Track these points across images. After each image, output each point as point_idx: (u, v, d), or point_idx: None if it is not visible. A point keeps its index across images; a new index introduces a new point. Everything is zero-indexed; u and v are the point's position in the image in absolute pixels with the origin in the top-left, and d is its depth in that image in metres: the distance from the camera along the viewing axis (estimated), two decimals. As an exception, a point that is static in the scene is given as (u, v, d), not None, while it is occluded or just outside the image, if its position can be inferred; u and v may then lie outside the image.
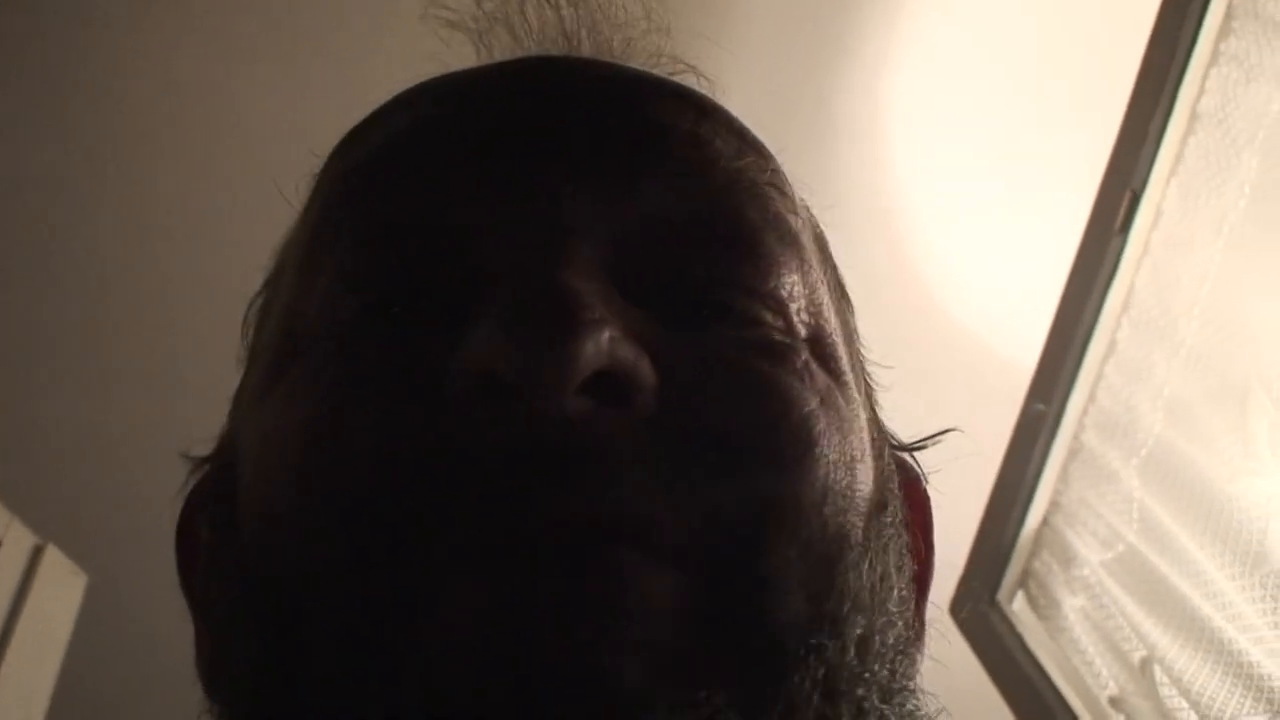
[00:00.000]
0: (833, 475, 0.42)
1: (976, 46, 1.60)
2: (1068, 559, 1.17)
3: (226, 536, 0.45)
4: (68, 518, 1.44)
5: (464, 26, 0.54)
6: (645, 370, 0.39)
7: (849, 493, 0.43)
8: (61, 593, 1.35)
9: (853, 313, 0.55)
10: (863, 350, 0.55)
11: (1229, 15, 1.04)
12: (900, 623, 0.44)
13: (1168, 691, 1.02)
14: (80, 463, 1.75)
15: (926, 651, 0.52)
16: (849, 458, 0.43)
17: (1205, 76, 1.05)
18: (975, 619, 1.25)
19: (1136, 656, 1.06)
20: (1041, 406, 1.19)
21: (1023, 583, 1.24)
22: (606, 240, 0.43)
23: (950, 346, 1.74)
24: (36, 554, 1.33)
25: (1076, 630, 1.16)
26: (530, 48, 0.53)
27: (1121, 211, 1.10)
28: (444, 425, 0.38)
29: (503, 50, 0.53)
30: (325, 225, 0.47)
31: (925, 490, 0.56)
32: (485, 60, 0.52)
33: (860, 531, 0.43)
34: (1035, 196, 1.63)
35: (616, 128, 0.46)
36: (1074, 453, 1.19)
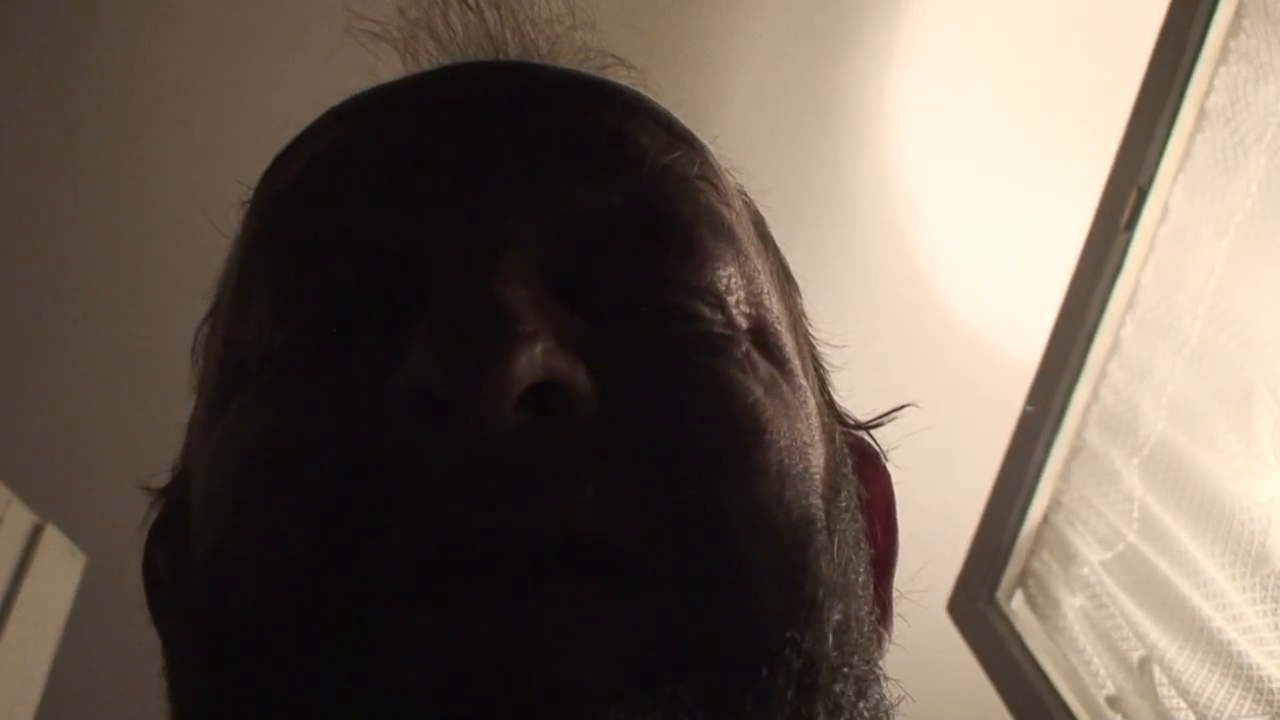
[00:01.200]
0: (786, 460, 0.42)
1: (983, 42, 1.60)
2: (1067, 558, 1.17)
3: (180, 567, 0.45)
4: (67, 497, 1.44)
5: (389, 37, 0.54)
6: (582, 379, 0.39)
7: (806, 476, 0.42)
8: (60, 572, 1.35)
9: (799, 294, 0.55)
10: (812, 332, 0.55)
11: (1239, 13, 1.03)
12: (865, 607, 0.44)
13: (1166, 692, 1.01)
14: (80, 443, 1.75)
15: (898, 638, 0.52)
16: (800, 442, 0.43)
17: (1214, 74, 1.05)
18: (973, 617, 1.25)
19: (1135, 656, 1.06)
20: (1031, 408, 1.18)
21: (1022, 581, 1.24)
22: (537, 246, 0.42)
23: (954, 343, 1.74)
24: (36, 533, 1.33)
25: (1075, 629, 1.16)
26: (456, 54, 0.53)
27: (1128, 208, 1.10)
28: (384, 447, 0.38)
29: (429, 58, 0.53)
30: (256, 251, 0.47)
31: (884, 468, 0.56)
32: (412, 69, 0.52)
33: (823, 515, 0.42)
34: (1040, 193, 1.63)
35: (541, 132, 0.46)
36: (1075, 451, 1.19)
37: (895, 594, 0.54)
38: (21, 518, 1.33)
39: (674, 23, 1.56)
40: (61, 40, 1.58)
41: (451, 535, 0.36)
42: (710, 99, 1.58)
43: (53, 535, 1.35)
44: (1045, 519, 1.21)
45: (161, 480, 0.53)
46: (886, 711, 0.44)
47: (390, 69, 0.53)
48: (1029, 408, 1.18)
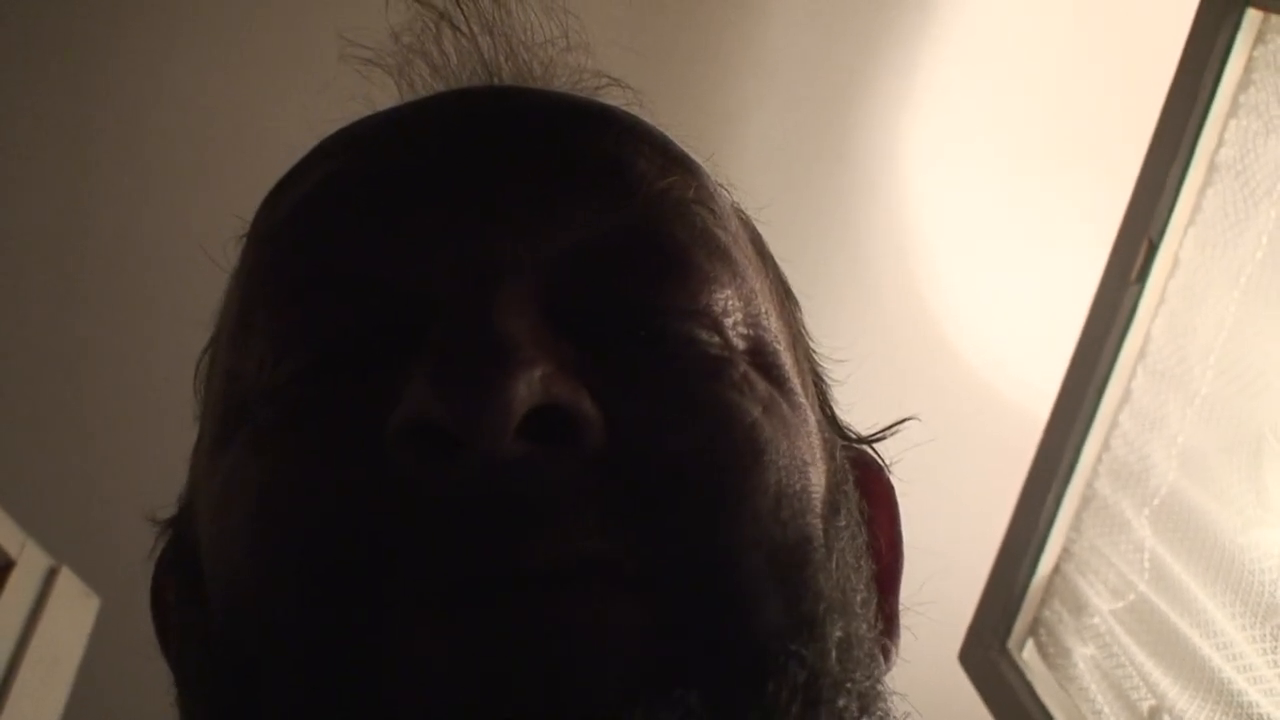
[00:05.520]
0: (785, 480, 0.42)
1: (995, 91, 1.61)
2: (1078, 607, 1.17)
3: (191, 601, 0.45)
4: (81, 540, 1.45)
5: (383, 63, 0.54)
6: (584, 405, 0.39)
7: (804, 495, 0.43)
8: (74, 615, 1.36)
9: (798, 309, 0.55)
10: (812, 346, 0.55)
11: (1249, 68, 1.04)
12: (865, 624, 0.44)
13: (1176, 742, 1.01)
14: (94, 485, 1.75)
15: (899, 651, 0.52)
16: (800, 461, 0.43)
17: (1224, 128, 1.06)
18: (985, 667, 1.25)
19: (1146, 706, 1.05)
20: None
21: (1033, 631, 1.24)
22: (534, 275, 0.43)
23: (963, 391, 1.74)
24: (51, 575, 1.34)
25: (1086, 679, 1.15)
26: (450, 79, 0.53)
27: (1139, 260, 1.10)
28: (389, 481, 0.38)
29: (424, 84, 0.53)
30: (253, 285, 0.47)
31: (888, 480, 0.56)
32: (407, 94, 0.53)
33: (821, 533, 0.43)
34: (1052, 243, 1.63)
35: (536, 160, 0.46)
36: (1086, 501, 1.19)
37: (902, 608, 0.54)
38: (36, 560, 1.33)
39: (685, 66, 1.57)
40: (57, 65, 1.59)
41: (457, 569, 0.36)
42: (721, 142, 1.59)
43: (67, 577, 1.36)
44: (1056, 568, 1.21)
45: (167, 512, 0.53)
46: None
47: (385, 94, 0.53)
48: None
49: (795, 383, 0.48)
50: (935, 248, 1.70)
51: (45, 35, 1.56)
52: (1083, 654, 1.16)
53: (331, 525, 0.39)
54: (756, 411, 0.43)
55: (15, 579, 1.28)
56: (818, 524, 0.43)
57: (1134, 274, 1.11)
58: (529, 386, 0.37)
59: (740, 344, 0.46)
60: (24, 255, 1.68)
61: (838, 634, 0.40)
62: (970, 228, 1.68)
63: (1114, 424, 1.16)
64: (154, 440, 1.64)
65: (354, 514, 0.39)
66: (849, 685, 0.40)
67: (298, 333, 0.44)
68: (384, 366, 0.42)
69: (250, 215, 0.52)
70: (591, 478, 0.38)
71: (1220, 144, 1.06)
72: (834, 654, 0.40)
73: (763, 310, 0.48)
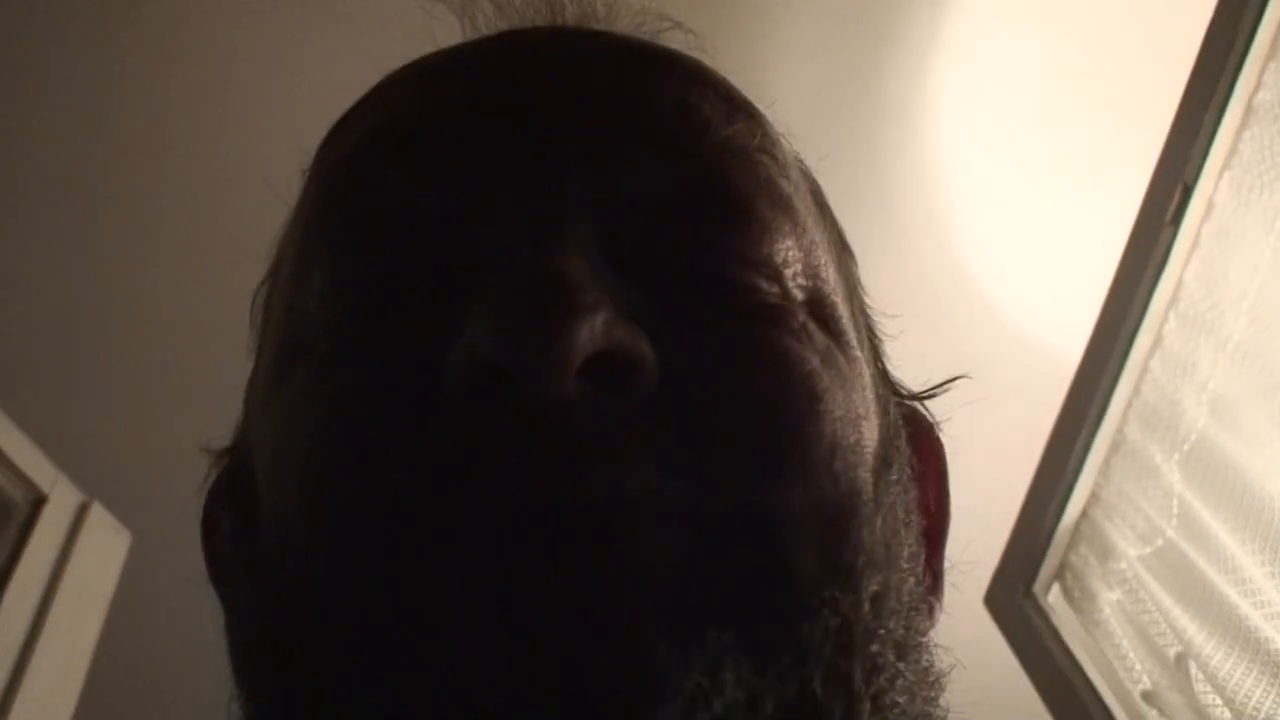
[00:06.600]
0: (840, 432, 0.42)
1: (1029, 33, 1.59)
2: (1105, 552, 1.17)
3: (245, 530, 0.46)
4: (113, 475, 1.46)
5: (448, 1, 0.54)
6: (644, 350, 0.39)
7: (857, 448, 0.43)
8: (105, 550, 1.37)
9: (855, 263, 0.55)
10: (867, 301, 0.55)
11: (1290, 9, 1.02)
12: (912, 579, 0.45)
13: (1202, 687, 1.01)
14: (125, 421, 1.76)
15: (944, 606, 0.52)
16: (854, 414, 0.44)
17: (1263, 70, 1.04)
18: (1010, 610, 1.25)
19: (1172, 652, 1.06)
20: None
21: (1059, 575, 1.24)
22: (597, 219, 0.43)
23: (995, 336, 1.74)
24: (82, 511, 1.35)
25: (1112, 624, 1.15)
26: (513, 18, 0.53)
27: (1173, 204, 1.09)
28: (447, 419, 0.39)
29: (487, 23, 0.52)
30: (316, 220, 0.48)
31: (939, 439, 0.56)
32: (470, 34, 0.52)
33: (870, 487, 0.43)
34: (1084, 187, 1.62)
35: (601, 103, 0.46)
36: (1116, 446, 1.18)
37: (946, 564, 0.54)
38: (68, 495, 1.35)
39: (716, 8, 1.55)
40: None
41: (513, 503, 0.36)
42: (750, 87, 1.58)
43: (98, 513, 1.37)
44: (1084, 513, 1.21)
45: (219, 443, 0.53)
46: (937, 678, 0.44)
47: (449, 32, 0.53)
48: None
49: (851, 336, 0.48)
50: (965, 188, 1.68)
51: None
52: (1109, 599, 1.16)
53: (386, 460, 0.39)
54: (815, 361, 0.43)
55: (47, 514, 1.29)
56: (868, 478, 0.43)
57: (1168, 217, 1.10)
58: (592, 331, 0.37)
59: (799, 295, 0.46)
60: (58, 194, 1.69)
61: (874, 587, 0.40)
62: (1000, 170, 1.67)
63: (1145, 369, 1.15)
64: (185, 379, 1.65)
65: (409, 449, 0.39)
66: (883, 633, 0.40)
67: (358, 268, 0.45)
68: (442, 304, 0.42)
69: (309, 150, 0.52)
70: (647, 420, 0.38)
71: (1258, 86, 1.04)
72: (868, 605, 0.40)
73: (822, 262, 0.48)
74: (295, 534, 0.41)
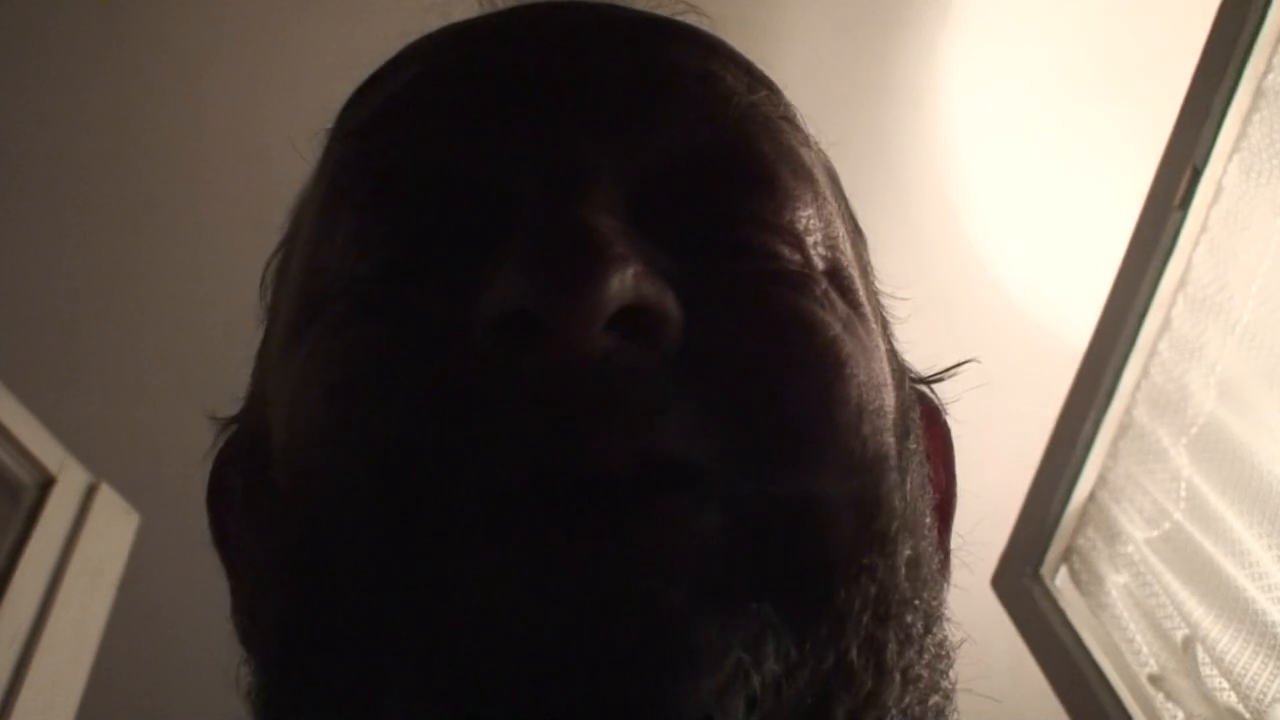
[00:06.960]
0: (865, 396, 0.42)
1: (1038, 14, 1.59)
2: (1113, 535, 1.17)
3: (260, 490, 0.45)
4: (121, 457, 1.46)
5: None
6: (670, 305, 0.39)
7: (882, 413, 0.43)
8: (114, 530, 1.37)
9: (866, 247, 0.55)
10: (877, 284, 0.55)
11: (1301, -9, 1.02)
12: (931, 546, 0.45)
13: (1208, 671, 1.01)
14: (135, 403, 1.77)
15: (952, 583, 0.52)
16: (876, 381, 0.44)
17: (1273, 53, 1.04)
18: (1017, 592, 1.25)
19: (1178, 635, 1.06)
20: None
21: (1066, 558, 1.24)
22: (624, 181, 0.43)
23: (1002, 318, 1.73)
24: (90, 492, 1.36)
25: (1119, 607, 1.15)
26: None
27: (1182, 187, 1.09)
28: (472, 370, 0.38)
29: None
30: (339, 181, 0.48)
31: (945, 421, 0.57)
32: (488, 8, 0.52)
33: (894, 453, 0.43)
34: (1094, 169, 1.61)
35: (628, 68, 0.46)
36: (1124, 428, 1.18)
37: (954, 541, 0.54)
38: (77, 477, 1.35)
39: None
40: None
41: (538, 457, 0.36)
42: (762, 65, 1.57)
43: (107, 494, 1.38)
44: (1091, 496, 1.21)
45: (228, 410, 0.54)
46: (950, 651, 0.45)
47: (463, 6, 0.53)
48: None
49: (868, 309, 0.48)
50: (974, 170, 1.68)
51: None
52: (1116, 582, 1.16)
53: (411, 411, 0.39)
54: (838, 327, 0.43)
55: (56, 496, 1.30)
56: (893, 443, 0.43)
57: (1177, 200, 1.09)
58: (622, 283, 0.37)
59: (820, 264, 0.46)
60: (66, 178, 1.69)
61: (907, 552, 0.41)
62: (1009, 151, 1.66)
63: (1153, 352, 1.15)
64: (193, 361, 1.65)
65: (433, 401, 0.39)
66: (917, 603, 0.41)
67: (383, 227, 0.45)
68: (467, 261, 0.42)
69: (327, 116, 0.52)
70: (674, 375, 0.38)
71: (1268, 69, 1.04)
72: (903, 571, 0.40)
73: (840, 234, 0.48)
74: (315, 485, 0.41)
